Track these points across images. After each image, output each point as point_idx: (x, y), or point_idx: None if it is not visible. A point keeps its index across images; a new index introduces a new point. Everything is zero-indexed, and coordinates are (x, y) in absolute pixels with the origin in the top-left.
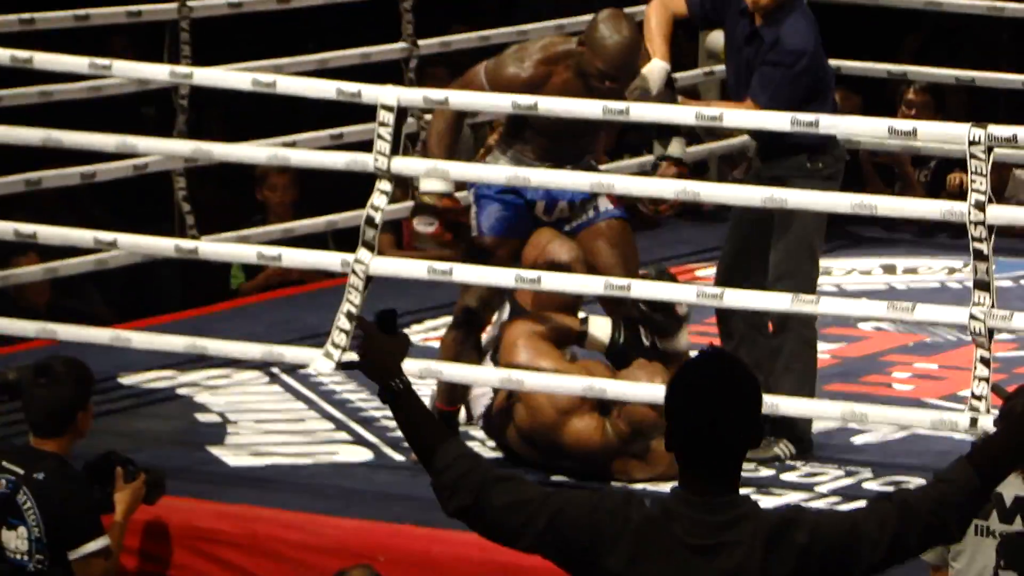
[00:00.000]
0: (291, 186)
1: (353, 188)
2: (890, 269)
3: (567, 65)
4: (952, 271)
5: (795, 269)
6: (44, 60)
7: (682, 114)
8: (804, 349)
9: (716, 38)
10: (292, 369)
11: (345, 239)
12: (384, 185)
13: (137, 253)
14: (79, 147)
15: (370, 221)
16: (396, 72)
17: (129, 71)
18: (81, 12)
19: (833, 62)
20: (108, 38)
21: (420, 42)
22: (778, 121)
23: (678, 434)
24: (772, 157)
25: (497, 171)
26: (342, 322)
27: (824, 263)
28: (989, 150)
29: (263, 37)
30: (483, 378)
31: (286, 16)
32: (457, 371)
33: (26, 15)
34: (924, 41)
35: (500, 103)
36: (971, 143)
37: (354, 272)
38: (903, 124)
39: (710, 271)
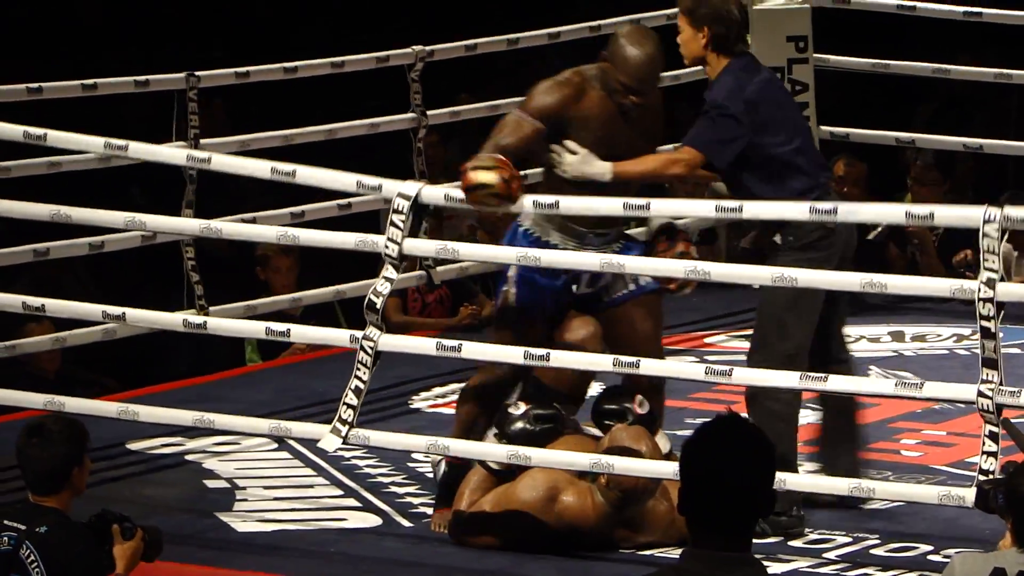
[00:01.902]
0: (294, 266)
1: (351, 259)
2: (898, 336)
3: (597, 84)
4: (961, 338)
5: (762, 345)
6: (58, 138)
7: (703, 208)
8: (771, 422)
9: None
10: None
11: (352, 305)
12: (390, 272)
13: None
14: (87, 223)
15: (371, 306)
16: (406, 140)
17: (145, 153)
18: (89, 82)
19: (841, 129)
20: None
21: (429, 112)
22: (797, 211)
23: (691, 497)
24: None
25: (507, 252)
26: (350, 398)
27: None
28: (1003, 231)
29: (271, 105)
30: (490, 453)
31: (294, 85)
32: (464, 447)
33: (34, 84)
34: (936, 110)
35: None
36: (986, 221)
37: (363, 349)
38: (920, 209)
39: (718, 338)
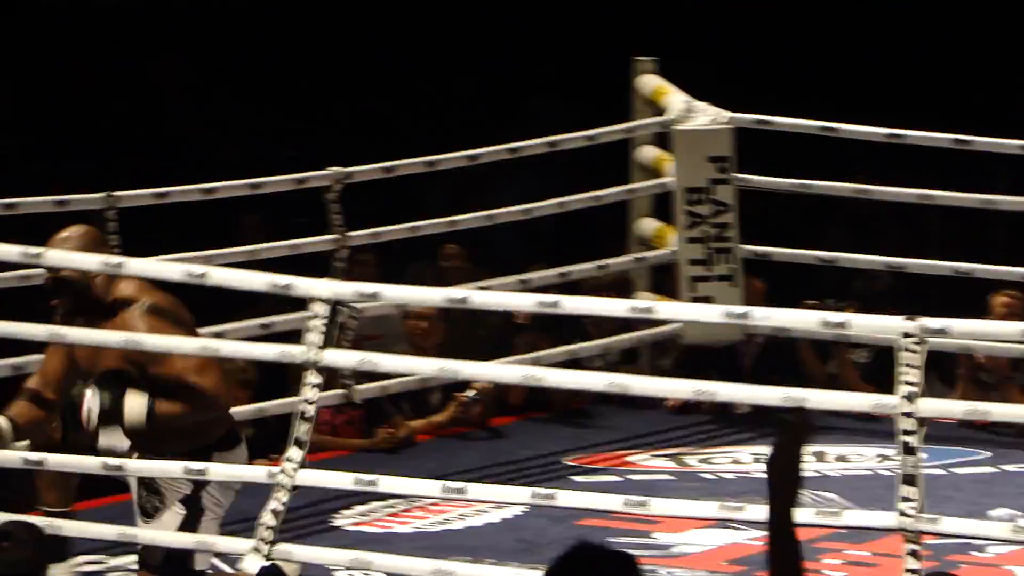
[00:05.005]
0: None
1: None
2: (820, 457)
3: None
4: (884, 458)
5: None
6: None
7: None
8: None
9: None
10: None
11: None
12: (314, 378)
13: None
14: None
15: (304, 415)
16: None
17: (63, 260)
18: (9, 201)
19: (763, 248)
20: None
21: (350, 233)
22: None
23: None
24: None
25: (429, 364)
26: (268, 519)
27: (744, 451)
28: (922, 342)
29: (192, 227)
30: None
31: (215, 206)
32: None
33: None
34: (853, 226)
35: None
36: (904, 335)
37: (283, 471)
38: (836, 316)
39: (638, 456)
